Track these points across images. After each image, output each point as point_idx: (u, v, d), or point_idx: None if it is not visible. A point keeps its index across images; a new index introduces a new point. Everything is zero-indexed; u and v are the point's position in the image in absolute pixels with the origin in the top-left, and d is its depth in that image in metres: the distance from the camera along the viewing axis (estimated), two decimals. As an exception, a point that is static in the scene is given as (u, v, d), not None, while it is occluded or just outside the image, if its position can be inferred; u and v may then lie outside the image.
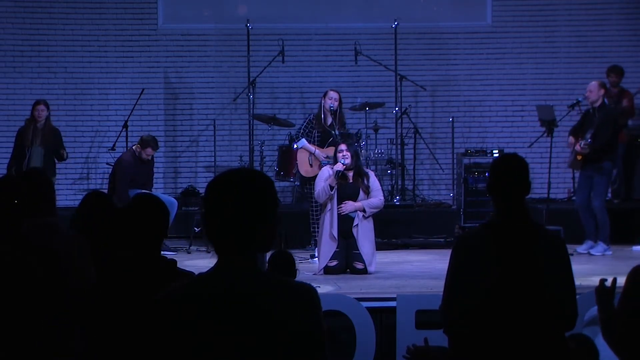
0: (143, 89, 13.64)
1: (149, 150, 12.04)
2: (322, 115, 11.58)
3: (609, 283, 4.43)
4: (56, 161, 12.35)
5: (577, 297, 7.92)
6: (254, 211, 2.90)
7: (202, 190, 13.61)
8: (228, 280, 2.87)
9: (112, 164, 12.47)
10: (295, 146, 12.22)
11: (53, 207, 5.24)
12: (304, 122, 11.92)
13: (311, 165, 11.53)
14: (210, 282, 2.89)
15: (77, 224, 5.38)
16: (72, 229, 5.39)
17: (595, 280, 9.22)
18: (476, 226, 4.39)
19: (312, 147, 11.58)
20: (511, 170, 4.34)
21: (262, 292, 2.86)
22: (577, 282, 9.20)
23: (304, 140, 11.65)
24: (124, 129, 13.13)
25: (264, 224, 2.92)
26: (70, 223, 5.46)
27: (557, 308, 4.23)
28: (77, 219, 5.41)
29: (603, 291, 4.41)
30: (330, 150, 11.24)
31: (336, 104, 11.49)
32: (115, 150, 13.06)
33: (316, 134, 11.65)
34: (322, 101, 11.62)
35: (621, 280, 4.48)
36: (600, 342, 4.86)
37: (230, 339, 2.81)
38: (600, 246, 11.29)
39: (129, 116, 13.30)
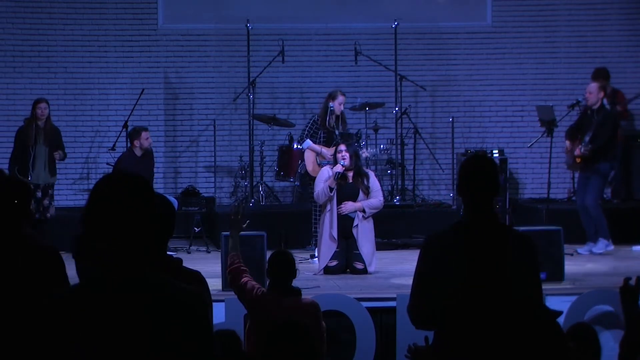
0: (143, 89, 13.63)
1: (144, 134, 12.02)
2: (327, 116, 11.60)
3: (633, 282, 4.41)
4: (61, 156, 12.35)
5: (578, 297, 7.94)
6: (133, 216, 2.87)
7: (202, 190, 13.64)
8: (113, 282, 2.84)
9: (112, 164, 12.47)
10: (296, 146, 12.23)
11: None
12: (309, 122, 11.94)
13: (319, 164, 11.55)
14: (96, 287, 2.86)
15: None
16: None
17: (595, 280, 9.25)
18: (445, 226, 4.41)
19: (317, 147, 11.62)
20: (479, 171, 4.34)
21: (144, 295, 2.83)
22: (577, 282, 9.21)
23: (309, 141, 11.68)
24: (124, 129, 13.12)
25: (142, 229, 2.89)
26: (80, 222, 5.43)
27: (524, 307, 4.23)
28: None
29: (627, 290, 4.39)
30: (332, 150, 11.30)
31: (342, 107, 11.63)
32: (115, 150, 13.05)
33: (322, 134, 11.68)
34: (330, 102, 11.60)
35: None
36: (602, 340, 4.86)
37: (112, 342, 2.80)
38: (601, 243, 11.28)
39: (129, 116, 13.29)
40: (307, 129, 11.85)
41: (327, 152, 11.53)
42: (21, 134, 12.16)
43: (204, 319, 2.89)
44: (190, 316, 2.85)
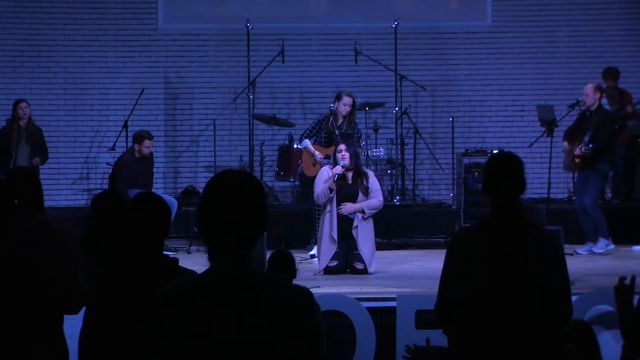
0: (143, 89, 13.63)
1: (147, 142, 12.02)
2: (333, 117, 11.55)
3: (628, 281, 4.42)
4: (38, 162, 12.38)
5: (578, 297, 7.94)
6: (252, 212, 2.94)
7: (202, 190, 13.63)
8: (226, 279, 2.88)
9: (112, 164, 12.47)
10: (296, 146, 12.23)
11: (42, 205, 5.29)
12: (314, 122, 11.93)
13: (314, 165, 11.57)
14: (209, 281, 2.90)
15: (91, 224, 5.40)
16: (84, 229, 5.44)
17: (595, 280, 9.25)
18: (471, 224, 4.39)
19: (312, 149, 11.61)
20: (506, 169, 4.33)
21: (259, 293, 2.87)
22: (577, 282, 9.19)
23: (307, 141, 11.68)
24: (124, 129, 13.13)
25: (258, 225, 2.94)
26: (84, 223, 5.49)
27: (550, 306, 4.22)
28: (91, 219, 5.43)
29: (622, 289, 4.40)
30: (331, 150, 11.29)
31: (348, 108, 11.48)
32: (115, 150, 13.06)
33: (323, 135, 11.66)
34: (336, 103, 11.57)
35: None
36: (602, 340, 4.86)
37: (228, 339, 2.82)
38: (602, 242, 11.28)
39: (129, 116, 13.30)
40: (309, 128, 11.86)
41: (319, 154, 11.54)
42: (3, 135, 12.21)
43: (317, 313, 2.93)
44: (308, 309, 2.92)
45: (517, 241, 4.25)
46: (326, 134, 11.66)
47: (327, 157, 11.32)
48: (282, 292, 2.91)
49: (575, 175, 12.32)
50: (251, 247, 2.95)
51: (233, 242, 2.91)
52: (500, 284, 4.19)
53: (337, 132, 11.46)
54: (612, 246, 11.27)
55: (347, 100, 11.48)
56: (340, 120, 11.55)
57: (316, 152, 11.57)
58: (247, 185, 2.97)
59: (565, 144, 11.61)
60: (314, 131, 11.74)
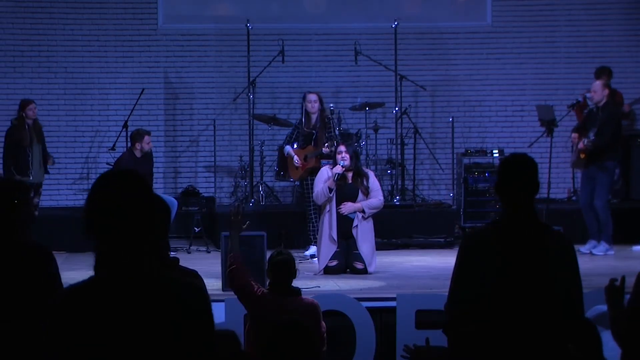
0: (143, 89, 13.63)
1: (147, 138, 12.10)
2: (304, 119, 11.62)
3: (619, 282, 4.44)
4: (53, 161, 12.47)
5: (578, 297, 7.92)
6: (136, 214, 2.89)
7: (202, 190, 13.64)
8: (119, 278, 2.85)
9: (112, 164, 12.47)
10: (295, 146, 12.27)
11: None
12: (292, 128, 11.99)
13: (296, 169, 11.62)
14: (102, 282, 2.87)
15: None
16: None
17: (595, 280, 9.25)
18: (483, 225, 4.37)
19: (292, 153, 11.65)
20: (520, 170, 4.32)
21: (152, 290, 2.85)
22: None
23: (287, 147, 11.74)
24: (124, 129, 13.12)
25: (144, 228, 2.90)
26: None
27: (562, 307, 4.22)
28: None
29: (612, 290, 4.42)
30: (308, 150, 11.37)
31: (316, 105, 11.49)
32: (115, 150, 13.06)
33: (301, 138, 11.70)
34: (303, 104, 11.64)
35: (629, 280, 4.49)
36: (603, 340, 4.85)
37: (122, 338, 2.79)
38: (603, 246, 11.29)
39: (129, 116, 13.30)
40: (289, 135, 11.91)
41: (297, 159, 11.55)
42: (14, 135, 12.23)
43: (205, 313, 2.90)
44: (193, 310, 2.86)
45: (530, 242, 4.24)
46: (302, 137, 11.68)
47: (327, 157, 11.35)
48: (176, 289, 2.87)
49: (577, 174, 12.32)
50: (139, 249, 2.88)
51: (117, 246, 2.86)
52: (513, 284, 4.19)
53: (337, 132, 11.49)
54: (612, 252, 11.30)
55: (309, 97, 11.54)
56: (314, 120, 11.54)
57: (295, 157, 11.59)
58: (128, 187, 2.92)
59: (574, 135, 11.61)
60: (293, 136, 11.77)
